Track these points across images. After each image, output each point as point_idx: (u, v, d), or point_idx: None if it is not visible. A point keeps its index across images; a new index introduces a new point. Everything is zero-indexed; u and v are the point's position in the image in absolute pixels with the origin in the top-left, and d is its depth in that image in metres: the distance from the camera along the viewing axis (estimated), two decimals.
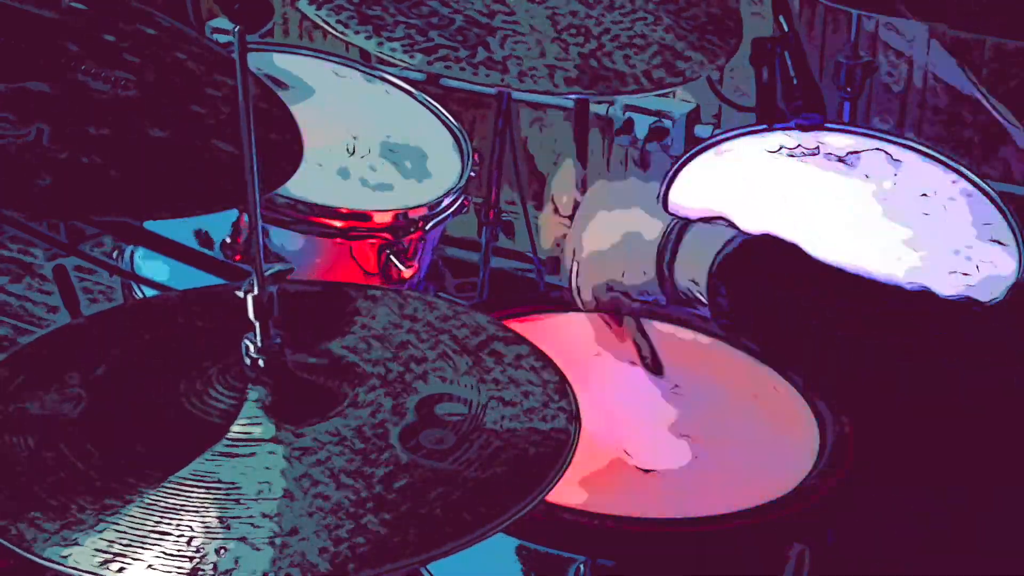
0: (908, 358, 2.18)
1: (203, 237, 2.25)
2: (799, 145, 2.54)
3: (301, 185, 1.93)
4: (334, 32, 2.17)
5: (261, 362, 1.49)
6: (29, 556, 1.31)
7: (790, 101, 2.56)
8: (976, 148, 3.20)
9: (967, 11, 2.57)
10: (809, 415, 2.00)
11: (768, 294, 2.01)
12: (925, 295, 2.11)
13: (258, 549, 1.31)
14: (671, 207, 2.20)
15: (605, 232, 2.10)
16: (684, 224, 2.08)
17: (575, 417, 1.51)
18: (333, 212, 2.26)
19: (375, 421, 1.47)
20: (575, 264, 2.03)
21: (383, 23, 2.19)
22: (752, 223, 2.37)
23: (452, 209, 2.39)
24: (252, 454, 1.42)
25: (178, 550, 1.31)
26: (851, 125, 2.69)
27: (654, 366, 1.97)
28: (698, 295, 1.96)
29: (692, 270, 2.00)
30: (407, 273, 2.33)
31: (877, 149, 2.55)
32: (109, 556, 1.30)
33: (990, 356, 2.26)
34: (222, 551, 1.31)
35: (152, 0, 2.04)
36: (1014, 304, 2.19)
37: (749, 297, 1.95)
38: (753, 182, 2.46)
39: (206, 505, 1.36)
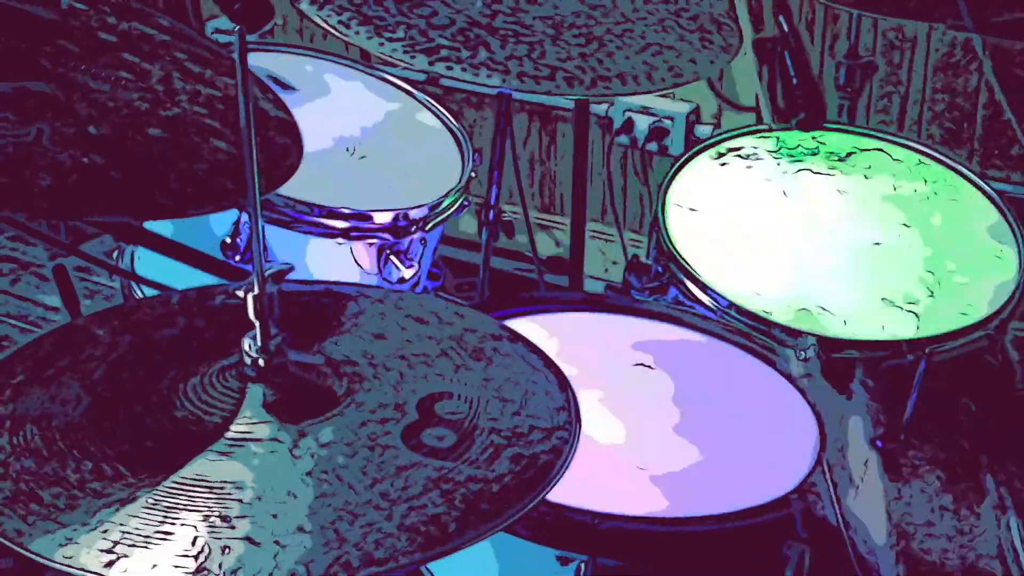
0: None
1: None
2: (799, 145, 2.54)
3: (301, 185, 1.93)
4: (335, 32, 2.17)
5: (261, 362, 1.50)
6: (31, 556, 1.31)
7: (790, 101, 2.56)
8: (976, 148, 3.20)
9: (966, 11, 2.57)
10: (809, 415, 2.00)
11: None
12: None
13: (262, 548, 1.31)
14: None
15: None
16: None
17: (575, 417, 1.51)
18: (333, 212, 2.26)
19: (376, 420, 1.47)
20: None
21: (384, 23, 2.19)
22: (749, 224, 2.38)
23: (452, 209, 2.39)
24: (253, 454, 1.42)
25: (183, 550, 1.31)
26: (851, 125, 2.69)
27: None
28: None
29: None
30: (407, 273, 2.33)
31: (877, 149, 2.55)
32: (114, 556, 1.30)
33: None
34: (227, 550, 1.31)
35: (152, 0, 2.04)
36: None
37: None
38: (752, 183, 2.46)
39: (209, 505, 1.36)
